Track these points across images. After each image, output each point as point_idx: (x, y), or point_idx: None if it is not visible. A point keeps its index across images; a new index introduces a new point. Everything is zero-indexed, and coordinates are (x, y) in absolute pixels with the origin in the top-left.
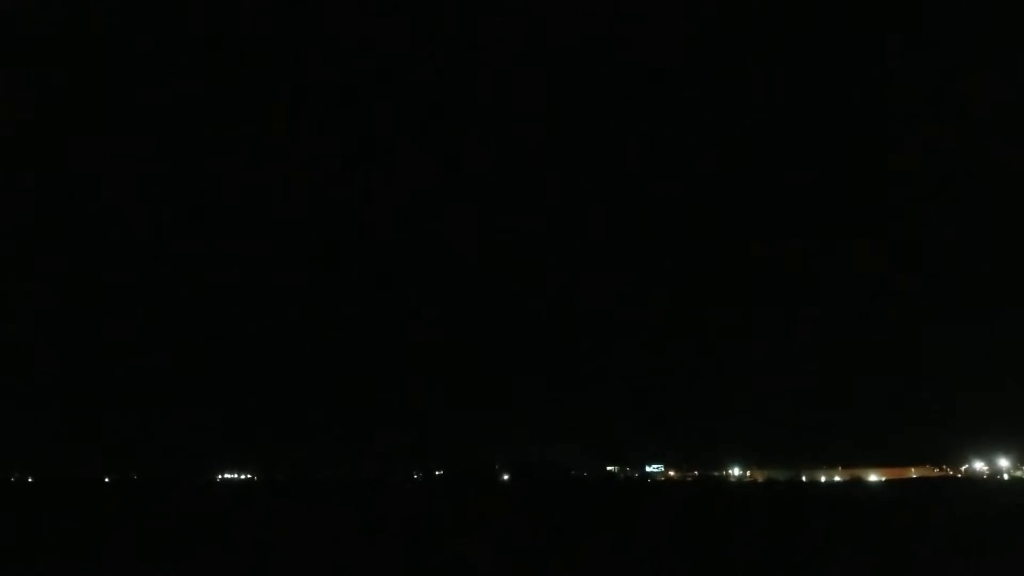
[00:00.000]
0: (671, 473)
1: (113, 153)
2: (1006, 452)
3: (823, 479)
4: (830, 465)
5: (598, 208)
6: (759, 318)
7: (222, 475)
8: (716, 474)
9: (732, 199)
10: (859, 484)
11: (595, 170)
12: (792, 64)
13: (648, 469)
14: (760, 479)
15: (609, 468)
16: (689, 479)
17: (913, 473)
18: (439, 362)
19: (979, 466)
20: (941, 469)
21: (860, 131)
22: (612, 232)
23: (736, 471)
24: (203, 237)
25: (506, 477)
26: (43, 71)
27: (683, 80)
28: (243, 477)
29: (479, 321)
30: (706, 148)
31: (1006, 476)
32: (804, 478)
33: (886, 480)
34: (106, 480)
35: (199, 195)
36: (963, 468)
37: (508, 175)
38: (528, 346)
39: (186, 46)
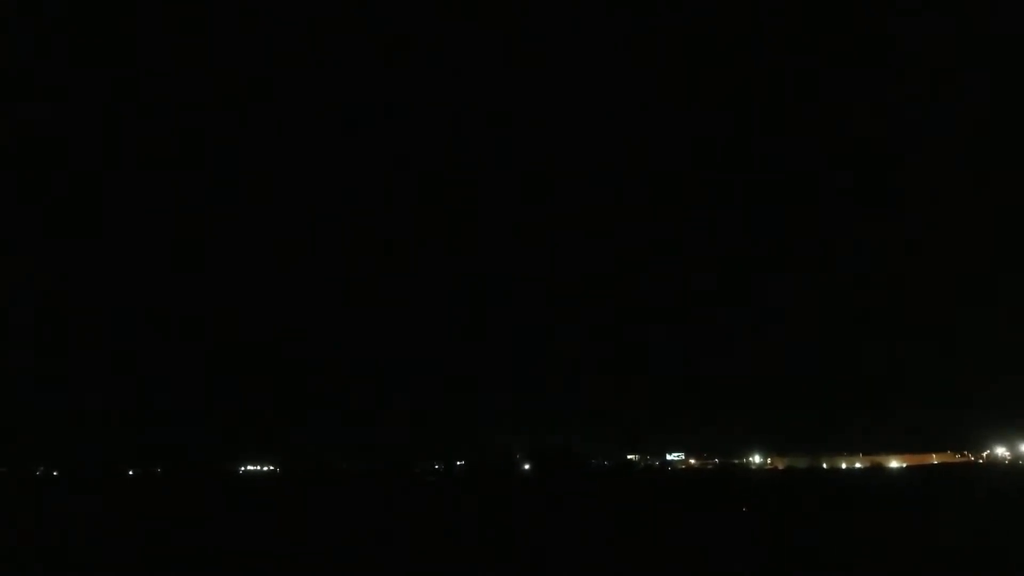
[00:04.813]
0: (691, 461)
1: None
2: None
3: (844, 466)
4: (851, 452)
5: (618, 199)
6: (777, 306)
7: (245, 467)
8: (736, 462)
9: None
10: (880, 471)
11: (605, 161)
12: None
13: (668, 457)
14: (780, 466)
15: (629, 456)
16: (709, 467)
17: (934, 459)
18: (459, 353)
19: (1001, 451)
20: (962, 455)
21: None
22: (627, 222)
23: (756, 459)
24: (227, 238)
25: (527, 467)
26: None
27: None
28: (266, 469)
29: (497, 311)
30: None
31: None
32: (824, 465)
33: (907, 466)
34: (130, 472)
35: (222, 194)
36: (984, 454)
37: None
38: (547, 335)
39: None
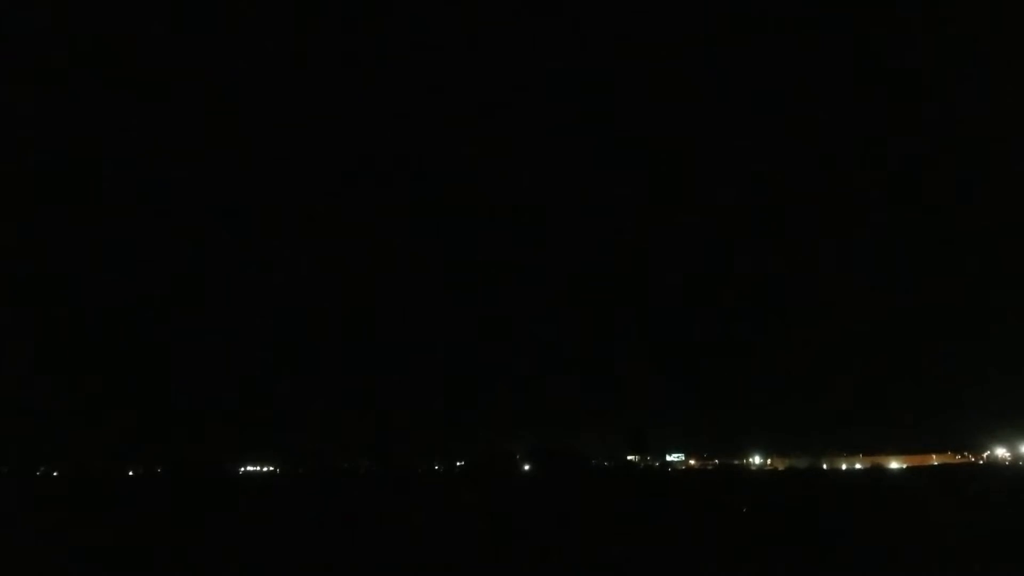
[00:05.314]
0: (691, 461)
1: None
2: None
3: (844, 466)
4: (851, 452)
5: (618, 196)
6: (778, 305)
7: (244, 468)
8: (736, 462)
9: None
10: (880, 471)
11: (604, 158)
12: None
13: (669, 458)
14: (780, 467)
15: (630, 457)
16: (710, 467)
17: (934, 459)
18: (459, 353)
19: (1001, 452)
20: (962, 455)
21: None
22: (630, 223)
23: (756, 459)
24: (232, 240)
25: (527, 467)
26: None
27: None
28: (266, 470)
29: (497, 310)
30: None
31: None
32: (824, 465)
33: (908, 467)
34: (130, 474)
35: (210, 194)
36: (984, 454)
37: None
38: (548, 336)
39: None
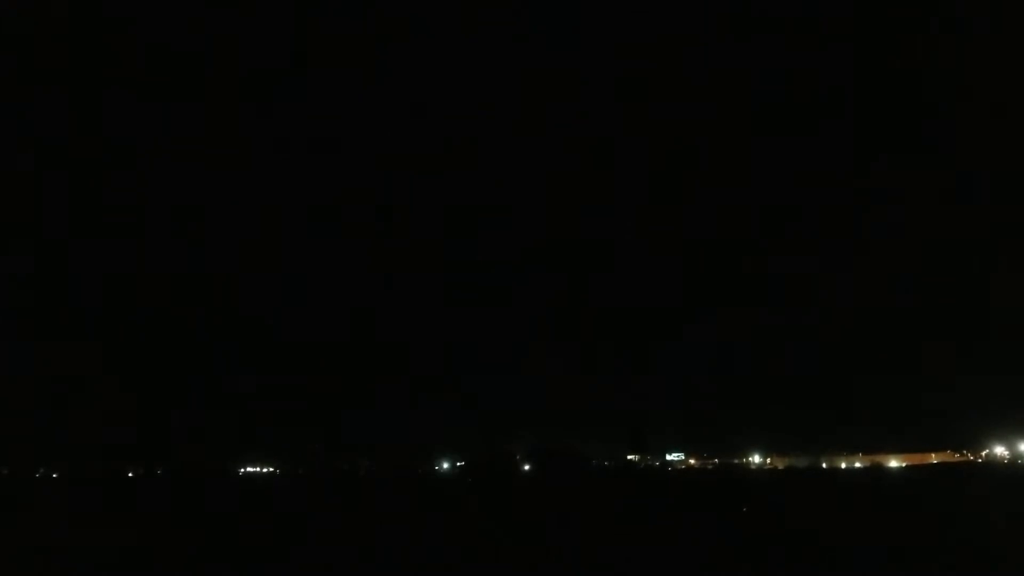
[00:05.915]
0: (691, 461)
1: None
2: None
3: (844, 466)
4: (850, 452)
5: (617, 198)
6: (777, 303)
7: (244, 468)
8: (736, 461)
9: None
10: (880, 471)
11: (602, 161)
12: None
13: (668, 457)
14: (780, 466)
15: (630, 457)
16: (709, 467)
17: (934, 459)
18: (459, 353)
19: (1000, 451)
20: (962, 454)
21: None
22: (630, 224)
23: (756, 459)
24: (232, 240)
25: (527, 467)
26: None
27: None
28: (266, 470)
29: (497, 311)
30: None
31: None
32: (824, 465)
33: (907, 466)
34: (129, 475)
35: (211, 194)
36: (984, 453)
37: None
38: (548, 336)
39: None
